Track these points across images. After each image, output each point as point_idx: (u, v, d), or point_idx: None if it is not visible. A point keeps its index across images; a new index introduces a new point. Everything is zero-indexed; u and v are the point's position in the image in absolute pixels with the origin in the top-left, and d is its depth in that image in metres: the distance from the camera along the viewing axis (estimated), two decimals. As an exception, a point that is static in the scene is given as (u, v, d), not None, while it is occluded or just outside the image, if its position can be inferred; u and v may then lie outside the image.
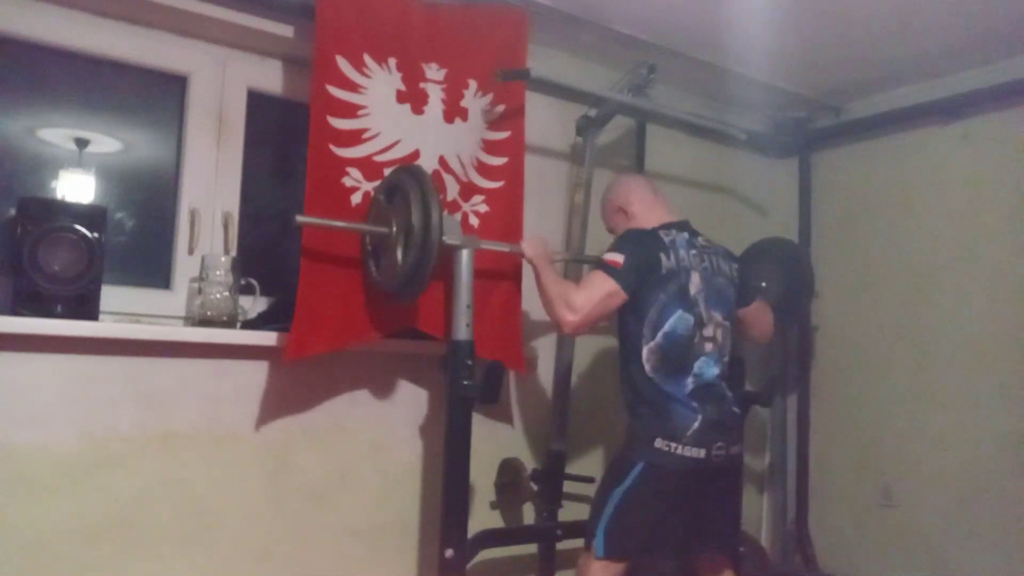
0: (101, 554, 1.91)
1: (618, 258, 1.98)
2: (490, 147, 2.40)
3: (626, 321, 2.05)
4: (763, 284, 2.81)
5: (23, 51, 2.03)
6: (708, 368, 2.02)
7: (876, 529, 3.02)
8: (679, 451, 1.94)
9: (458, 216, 2.30)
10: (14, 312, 1.79)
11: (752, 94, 3.11)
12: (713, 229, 3.16)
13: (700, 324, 2.02)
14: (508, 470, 2.55)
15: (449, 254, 2.03)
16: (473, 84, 2.34)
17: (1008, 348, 2.70)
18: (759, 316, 2.33)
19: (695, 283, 2.04)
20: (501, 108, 2.41)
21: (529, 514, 2.62)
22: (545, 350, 2.69)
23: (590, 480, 2.60)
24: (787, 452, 3.28)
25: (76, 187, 2.12)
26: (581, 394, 2.73)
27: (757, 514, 3.32)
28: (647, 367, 1.99)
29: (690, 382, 1.99)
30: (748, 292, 2.27)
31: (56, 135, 2.13)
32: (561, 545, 2.52)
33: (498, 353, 2.25)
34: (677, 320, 1.99)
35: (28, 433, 1.85)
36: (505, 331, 2.37)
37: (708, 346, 2.03)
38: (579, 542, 2.45)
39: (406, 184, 1.96)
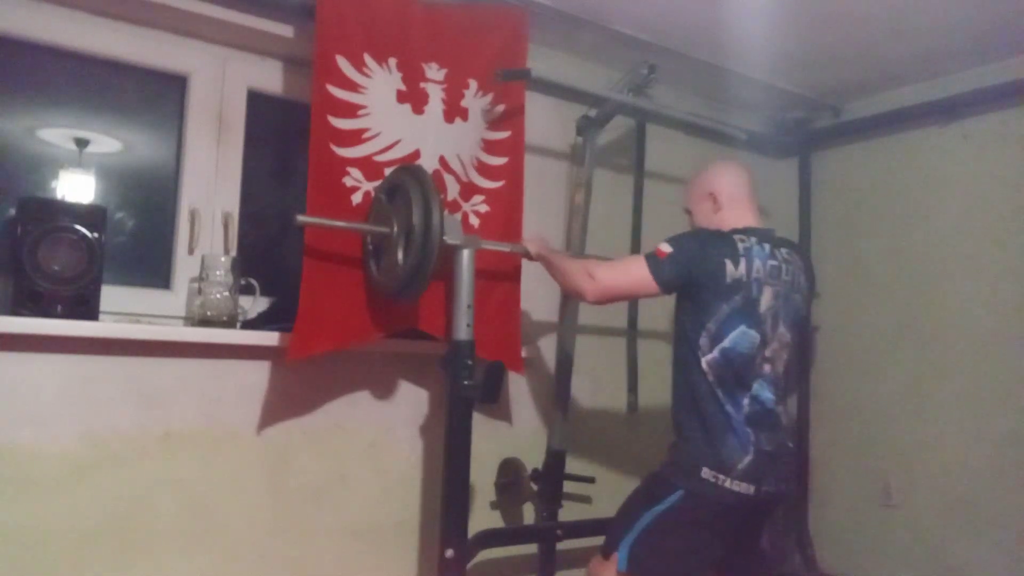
0: (101, 554, 1.91)
1: (666, 248, 1.83)
2: (490, 147, 2.40)
3: (684, 328, 1.88)
4: None
5: (23, 51, 2.03)
6: (764, 391, 1.84)
7: (876, 529, 3.02)
8: (727, 484, 1.76)
9: (458, 216, 2.30)
10: (14, 312, 1.79)
11: (752, 94, 3.11)
12: (713, 229, 3.18)
13: (764, 343, 1.84)
14: (508, 470, 2.55)
15: (450, 254, 2.02)
16: (473, 84, 2.34)
17: (1008, 348, 2.70)
18: None
19: (767, 298, 1.84)
20: (501, 108, 2.41)
21: (529, 514, 2.62)
22: (545, 350, 2.69)
23: (590, 480, 2.61)
24: (787, 452, 3.28)
25: (76, 187, 2.12)
26: (581, 394, 2.73)
27: (757, 514, 3.32)
28: (710, 375, 1.82)
29: (746, 404, 1.81)
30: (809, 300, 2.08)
31: (56, 135, 2.13)
32: (561, 545, 2.52)
33: (497, 353, 2.25)
34: (740, 336, 1.81)
35: (28, 433, 1.85)
36: (504, 332, 2.37)
37: (766, 367, 1.85)
38: (579, 542, 2.46)
39: (407, 184, 1.96)
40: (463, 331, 2.00)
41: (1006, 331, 2.71)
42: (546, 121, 2.69)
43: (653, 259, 1.84)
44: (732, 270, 1.81)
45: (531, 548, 2.58)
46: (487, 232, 2.31)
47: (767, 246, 1.88)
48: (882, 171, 3.12)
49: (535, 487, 2.55)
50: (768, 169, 3.42)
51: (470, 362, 1.99)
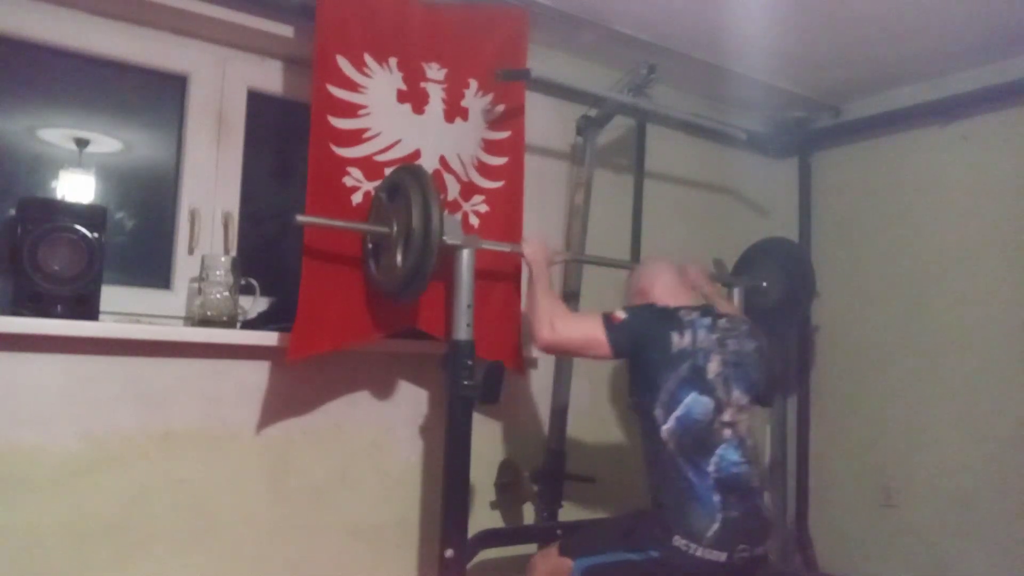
0: (101, 554, 1.91)
1: (621, 315, 1.93)
2: (490, 147, 2.40)
3: (642, 401, 1.93)
4: (764, 284, 2.81)
5: (23, 51, 2.03)
6: (730, 453, 1.86)
7: (876, 529, 3.02)
8: (698, 553, 1.78)
9: (458, 216, 2.30)
10: (14, 312, 1.79)
11: (752, 94, 3.11)
12: (713, 229, 3.19)
13: (720, 408, 1.89)
14: (508, 470, 2.55)
15: (450, 254, 2.02)
16: (473, 84, 2.34)
17: (1008, 348, 2.70)
18: None
19: (714, 365, 1.90)
20: (501, 108, 2.41)
21: (529, 514, 2.62)
22: (545, 350, 2.69)
23: (590, 480, 2.61)
24: (787, 452, 3.27)
25: (76, 187, 2.12)
26: (581, 394, 2.73)
27: (757, 514, 3.32)
28: (671, 445, 1.86)
29: (712, 470, 1.84)
30: (770, 392, 2.15)
31: (56, 135, 2.13)
32: (561, 545, 2.52)
33: (496, 353, 2.24)
34: (692, 402, 1.86)
35: (28, 433, 1.85)
36: (504, 332, 2.37)
37: (727, 432, 1.88)
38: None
39: (407, 184, 1.96)
40: (463, 331, 2.00)
41: (1006, 331, 2.71)
42: (546, 121, 2.69)
43: (609, 323, 1.91)
44: (678, 340, 1.89)
45: (531, 548, 2.56)
46: (487, 232, 2.31)
47: (708, 319, 1.97)
48: (882, 171, 3.12)
49: (535, 487, 2.55)
50: (768, 169, 3.42)
51: (470, 362, 1.99)
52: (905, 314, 3.00)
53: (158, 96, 2.25)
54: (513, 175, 2.43)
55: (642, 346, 1.91)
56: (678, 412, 1.86)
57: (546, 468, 2.56)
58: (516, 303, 2.42)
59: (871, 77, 2.99)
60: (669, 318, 1.93)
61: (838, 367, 3.20)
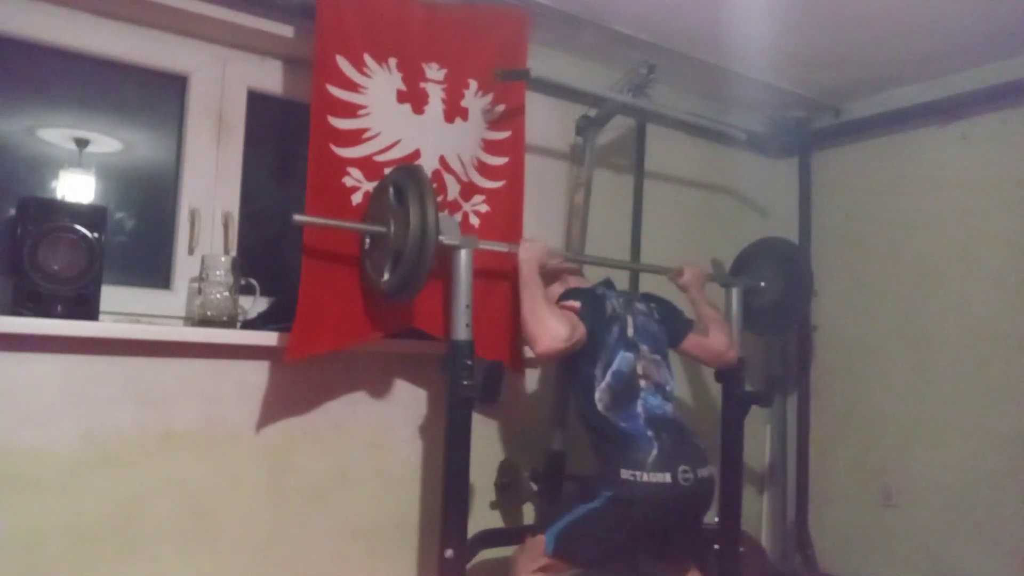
0: (101, 554, 1.91)
1: (575, 304, 2.11)
2: (490, 147, 2.40)
3: (578, 365, 2.13)
4: (762, 284, 2.81)
5: (23, 51, 2.03)
6: (650, 399, 2.11)
7: (876, 529, 3.02)
8: (644, 478, 1.97)
9: (458, 216, 2.30)
10: (14, 312, 1.79)
11: (752, 94, 3.11)
12: (713, 229, 3.19)
13: (637, 360, 2.14)
14: (508, 470, 2.55)
15: (448, 254, 2.02)
16: (473, 84, 2.34)
17: (1008, 348, 2.70)
18: (702, 346, 2.36)
19: (631, 325, 2.19)
20: (501, 108, 2.41)
21: (529, 514, 2.62)
22: (545, 350, 2.69)
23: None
24: (787, 452, 3.28)
25: (76, 187, 2.13)
26: (581, 394, 2.73)
27: (757, 514, 3.32)
28: (600, 406, 2.07)
29: (641, 413, 2.07)
30: (677, 329, 2.34)
31: (56, 135, 2.13)
32: (561, 545, 2.52)
33: (496, 353, 2.25)
34: (621, 360, 2.11)
35: (28, 433, 1.85)
36: (503, 332, 2.37)
37: (643, 382, 2.12)
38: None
39: (404, 184, 1.96)
40: (462, 331, 2.00)
41: (1006, 331, 2.71)
42: (546, 121, 2.69)
43: (578, 315, 2.08)
44: (609, 308, 2.17)
45: (531, 548, 2.57)
46: (487, 232, 2.31)
47: (613, 291, 2.28)
48: (882, 171, 3.12)
49: (535, 487, 2.55)
50: (768, 169, 3.42)
51: (470, 362, 1.99)
52: (905, 314, 3.00)
53: (158, 96, 2.25)
54: (513, 175, 2.43)
55: (594, 321, 2.12)
56: (613, 368, 2.10)
57: (546, 468, 2.56)
58: (516, 303, 2.42)
59: (871, 77, 2.99)
60: (596, 294, 2.21)
61: (838, 367, 3.20)
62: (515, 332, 2.41)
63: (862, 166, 3.20)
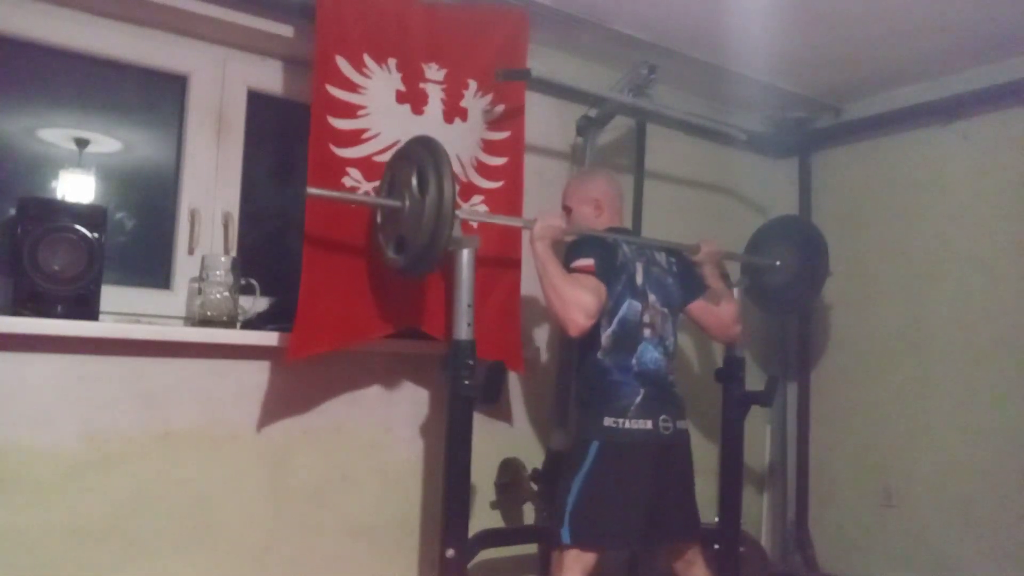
0: (101, 554, 1.91)
1: (586, 261, 2.08)
2: (490, 147, 2.40)
3: None
4: (777, 263, 2.78)
5: (23, 51, 2.03)
6: (648, 352, 2.14)
7: (876, 529, 3.02)
8: (627, 425, 2.05)
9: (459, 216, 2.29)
10: (14, 312, 1.79)
11: (752, 94, 3.11)
12: (714, 229, 3.17)
13: (644, 310, 2.16)
14: (508, 470, 2.55)
15: (450, 253, 2.02)
16: (473, 84, 2.34)
17: (1008, 348, 2.70)
18: (711, 312, 2.33)
19: (640, 273, 2.18)
20: (501, 108, 2.41)
21: (529, 514, 2.62)
22: (545, 350, 2.69)
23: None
24: (787, 452, 3.28)
25: (76, 187, 2.13)
26: (581, 394, 2.73)
27: (757, 514, 3.32)
28: (599, 353, 2.11)
29: (634, 364, 2.11)
30: (692, 288, 2.31)
31: (56, 135, 2.13)
32: (561, 545, 2.52)
33: (497, 353, 2.24)
34: (627, 308, 2.13)
35: (28, 433, 1.85)
36: (504, 331, 2.37)
37: (647, 331, 2.15)
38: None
39: (421, 155, 1.93)
40: (463, 331, 2.00)
41: (1006, 331, 2.71)
42: (546, 121, 2.69)
43: (595, 277, 2.06)
44: (621, 256, 2.17)
45: (531, 548, 2.58)
46: (487, 232, 2.31)
47: (627, 236, 2.29)
48: (882, 171, 3.12)
49: (535, 487, 2.55)
50: (768, 169, 3.42)
51: (471, 362, 1.99)
52: (905, 314, 3.00)
53: (158, 96, 2.25)
54: (513, 175, 2.43)
55: (607, 273, 2.11)
56: (619, 315, 2.12)
57: (546, 468, 2.56)
58: (516, 303, 2.42)
59: (871, 77, 2.99)
60: (609, 242, 2.18)
61: (838, 367, 3.19)
62: (516, 332, 2.42)
63: (862, 166, 3.20)
